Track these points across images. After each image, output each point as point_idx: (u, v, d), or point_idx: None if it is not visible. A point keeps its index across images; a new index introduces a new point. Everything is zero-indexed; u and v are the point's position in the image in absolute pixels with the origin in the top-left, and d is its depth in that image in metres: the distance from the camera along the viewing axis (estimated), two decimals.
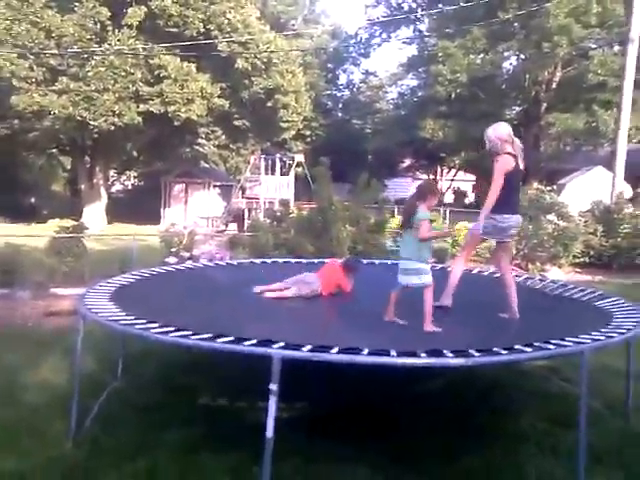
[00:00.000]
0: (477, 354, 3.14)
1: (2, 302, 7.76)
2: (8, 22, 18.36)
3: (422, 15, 36.55)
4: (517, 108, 33.64)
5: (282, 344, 3.19)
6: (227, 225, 22.31)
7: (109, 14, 19.50)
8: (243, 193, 25.20)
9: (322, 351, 3.13)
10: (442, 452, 3.61)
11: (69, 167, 30.59)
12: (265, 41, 22.08)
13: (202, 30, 20.55)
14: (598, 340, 3.39)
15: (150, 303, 4.45)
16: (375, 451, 3.59)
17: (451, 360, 3.11)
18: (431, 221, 4.26)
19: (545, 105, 29.00)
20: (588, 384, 3.18)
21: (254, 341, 3.25)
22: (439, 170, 40.37)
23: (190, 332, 3.44)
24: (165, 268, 6.41)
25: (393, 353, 3.11)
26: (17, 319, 7.04)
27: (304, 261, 7.25)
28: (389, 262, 7.41)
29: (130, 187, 36.86)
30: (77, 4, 19.10)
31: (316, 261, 7.19)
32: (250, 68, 21.68)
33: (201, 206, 25.66)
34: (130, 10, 19.86)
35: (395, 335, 3.85)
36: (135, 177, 36.09)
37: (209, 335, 3.36)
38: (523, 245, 11.35)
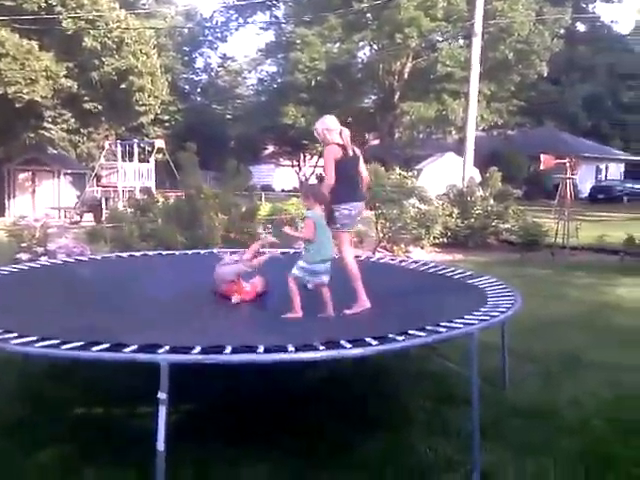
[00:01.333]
0: (374, 342, 3.10)
1: None
2: None
3: (278, 1, 36.56)
4: (373, 97, 34.95)
5: (168, 348, 2.93)
6: (82, 216, 20.77)
7: None
8: (98, 181, 23.60)
9: (215, 352, 2.91)
10: (340, 443, 3.55)
11: None
12: (115, 19, 20.78)
13: (43, 5, 18.84)
14: (484, 320, 3.51)
15: (5, 308, 3.92)
16: (274, 447, 3.44)
17: (349, 351, 3.04)
18: None
19: (399, 94, 30.34)
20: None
21: (135, 346, 2.95)
22: (302, 157, 40.74)
23: (58, 340, 3.05)
24: (17, 267, 5.71)
25: (291, 348, 2.98)
26: None
27: (177, 253, 6.87)
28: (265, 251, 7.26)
29: None
30: None
31: (190, 252, 6.88)
32: (100, 47, 20.27)
33: (51, 196, 23.69)
34: None
35: (287, 329, 3.71)
36: None
37: (81, 343, 3.00)
38: (388, 228, 11.75)
